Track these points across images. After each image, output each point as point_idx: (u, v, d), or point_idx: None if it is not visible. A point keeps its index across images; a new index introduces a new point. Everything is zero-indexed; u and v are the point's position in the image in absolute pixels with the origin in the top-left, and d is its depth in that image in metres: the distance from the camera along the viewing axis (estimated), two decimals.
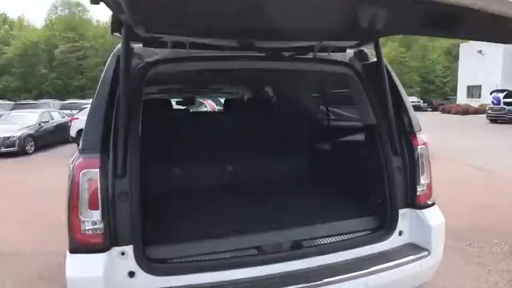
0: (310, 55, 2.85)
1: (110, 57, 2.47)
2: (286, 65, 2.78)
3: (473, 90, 37.18)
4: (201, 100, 12.51)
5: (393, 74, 2.86)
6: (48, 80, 53.40)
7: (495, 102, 23.24)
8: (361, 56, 3.01)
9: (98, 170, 2.07)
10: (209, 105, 13.96)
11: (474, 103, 33.54)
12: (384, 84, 2.71)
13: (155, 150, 3.77)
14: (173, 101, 6.20)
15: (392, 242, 2.67)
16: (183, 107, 7.23)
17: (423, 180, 2.74)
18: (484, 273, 4.01)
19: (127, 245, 2.09)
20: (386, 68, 2.79)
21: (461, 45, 41.64)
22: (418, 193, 2.73)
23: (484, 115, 23.96)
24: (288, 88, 4.84)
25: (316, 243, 2.53)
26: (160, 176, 3.85)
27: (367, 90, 2.86)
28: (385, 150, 2.74)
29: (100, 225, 2.06)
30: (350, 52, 3.01)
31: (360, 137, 3.20)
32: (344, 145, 3.65)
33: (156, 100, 4.91)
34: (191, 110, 6.16)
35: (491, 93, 24.30)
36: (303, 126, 4.38)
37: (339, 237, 2.58)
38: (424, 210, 2.73)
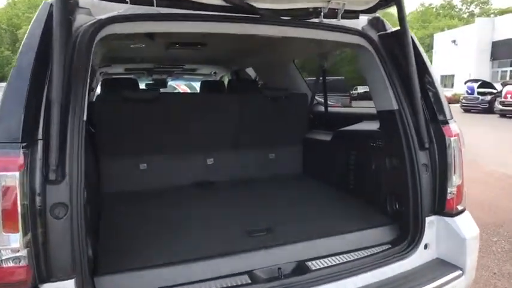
0: (316, 21, 2.20)
1: (39, 10, 1.72)
2: (284, 31, 2.11)
3: (447, 80, 37.72)
4: (173, 85, 11.59)
5: (420, 47, 2.26)
6: (12, 62, 50.39)
7: (469, 91, 23.47)
8: (377, 23, 2.39)
9: (17, 173, 1.47)
10: (183, 90, 13.05)
11: (447, 92, 34.05)
12: (408, 59, 2.12)
13: (114, 141, 3.04)
14: (141, 85, 5.39)
15: (416, 258, 2.12)
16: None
17: (455, 180, 2.19)
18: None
19: (67, 279, 1.57)
20: (412, 39, 2.19)
21: (435, 35, 42.07)
22: (448, 197, 2.16)
23: (458, 104, 24.20)
24: (284, 63, 4.25)
25: (323, 265, 2.06)
26: (120, 175, 3.17)
27: (385, 66, 2.29)
28: (409, 143, 2.18)
29: (23, 253, 1.50)
30: (363, 19, 2.39)
31: (374, 125, 2.62)
32: (353, 136, 3.05)
33: (117, 79, 4.13)
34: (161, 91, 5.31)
35: (465, 83, 24.54)
36: (300, 112, 3.75)
37: (349, 255, 2.15)
38: (455, 218, 2.22)
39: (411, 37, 2.20)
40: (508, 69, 31.32)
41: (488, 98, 21.87)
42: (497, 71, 32.24)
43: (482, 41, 32.28)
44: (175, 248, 2.03)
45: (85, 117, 1.73)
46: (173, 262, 1.87)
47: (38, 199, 1.52)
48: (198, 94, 5.38)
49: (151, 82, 6.92)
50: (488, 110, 21.17)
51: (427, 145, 2.20)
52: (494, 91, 22.24)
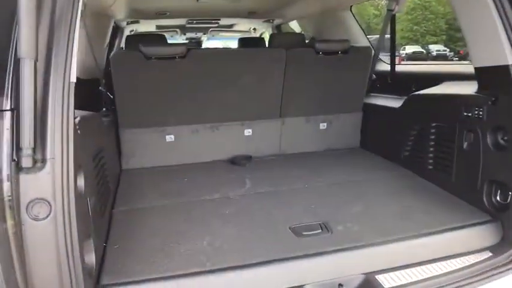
0: None
1: None
2: None
3: None
4: (209, 46, 10.96)
5: None
6: None
7: None
8: None
9: None
10: None
11: None
12: None
13: (135, 107, 2.56)
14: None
15: None
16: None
17: None
18: None
19: None
20: None
21: None
22: None
23: None
24: (337, 12, 3.51)
25: (400, 280, 1.57)
26: (142, 148, 2.72)
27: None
28: None
29: None
30: None
31: (467, 88, 2.02)
32: (435, 102, 2.37)
33: (141, 35, 3.60)
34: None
35: None
36: (361, 71, 3.06)
37: (435, 266, 1.64)
38: None
39: None
40: None
41: None
42: None
43: None
44: (203, 252, 1.61)
45: (74, 78, 1.23)
46: (199, 272, 1.43)
47: (6, 194, 1.13)
48: (234, 49, 4.74)
49: (185, 42, 6.37)
50: None
51: None
52: None
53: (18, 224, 1.16)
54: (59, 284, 1.20)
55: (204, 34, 6.23)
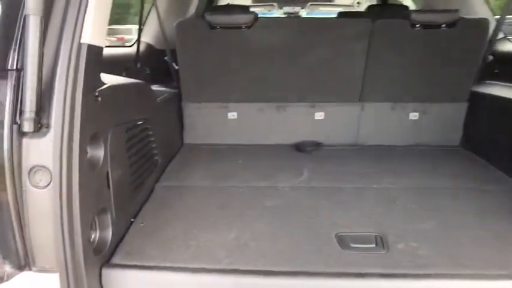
0: None
1: None
2: None
3: None
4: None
5: None
6: None
7: None
8: None
9: None
10: None
11: None
12: None
13: (197, 80, 2.44)
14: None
15: None
16: None
17: None
18: None
19: (48, 271, 1.17)
20: None
21: None
22: None
23: None
24: None
25: None
26: (201, 123, 2.61)
27: None
28: None
29: None
30: None
31: None
32: None
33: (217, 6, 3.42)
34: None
35: None
36: (471, 50, 2.45)
37: None
38: None
39: None
40: None
41: None
42: None
43: None
44: (224, 246, 1.45)
45: (86, 39, 1.12)
46: (210, 270, 1.30)
47: (8, 158, 1.09)
48: (309, 19, 4.28)
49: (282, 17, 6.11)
50: None
51: None
52: None
53: (20, 190, 1.12)
54: (55, 257, 1.13)
55: (303, 8, 5.87)
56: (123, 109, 1.55)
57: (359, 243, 1.44)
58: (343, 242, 1.45)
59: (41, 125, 1.12)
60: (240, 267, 1.30)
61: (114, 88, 1.44)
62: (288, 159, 2.35)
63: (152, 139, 1.97)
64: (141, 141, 1.81)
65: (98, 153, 1.32)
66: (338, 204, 1.74)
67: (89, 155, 1.27)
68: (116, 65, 2.30)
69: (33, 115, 1.09)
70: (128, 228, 1.54)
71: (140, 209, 1.70)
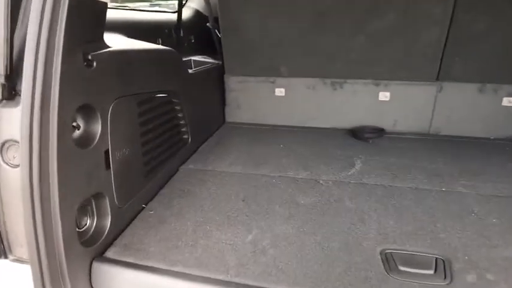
0: None
1: None
2: None
3: None
4: None
5: None
6: None
7: None
8: None
9: None
10: None
11: None
12: None
13: (240, 50, 2.17)
14: None
15: None
16: None
17: None
18: None
19: (23, 261, 1.05)
20: None
21: None
22: None
23: None
24: None
25: None
26: (244, 99, 2.32)
27: None
28: None
29: None
30: None
31: None
32: None
33: None
34: None
35: None
36: None
37: None
38: None
39: None
40: None
41: None
42: None
43: None
44: (236, 251, 1.19)
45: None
46: (209, 280, 1.08)
47: None
48: None
49: None
50: None
51: None
52: None
53: None
54: (35, 245, 0.97)
55: None
56: (134, 79, 1.34)
57: (412, 267, 1.09)
58: (389, 262, 1.10)
59: (15, 93, 0.95)
60: (249, 281, 1.04)
61: (118, 54, 1.23)
62: (340, 146, 1.99)
63: (180, 115, 1.76)
64: (163, 117, 1.60)
65: (92, 128, 1.13)
66: (393, 210, 1.37)
67: (78, 129, 1.09)
68: (156, 32, 2.11)
69: (2, 80, 0.92)
70: (136, 216, 1.37)
71: (156, 194, 1.51)
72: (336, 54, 2.10)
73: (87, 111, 1.10)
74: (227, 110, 2.38)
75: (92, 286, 1.13)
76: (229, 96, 2.34)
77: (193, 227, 1.28)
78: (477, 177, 1.62)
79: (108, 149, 1.19)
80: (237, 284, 1.03)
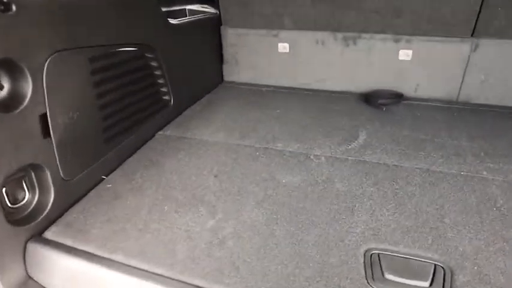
0: None
1: None
2: None
3: None
4: None
5: None
6: None
7: None
8: None
9: None
10: None
11: None
12: None
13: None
14: None
15: None
16: None
17: None
18: None
19: None
20: None
21: None
22: None
23: None
24: None
25: None
26: (244, 56, 2.06)
27: None
28: None
29: None
30: None
31: None
32: None
33: None
34: None
35: None
36: None
37: None
38: None
39: None
40: None
41: None
42: None
43: None
44: (189, 239, 1.01)
45: None
46: (177, 283, 0.88)
47: None
48: None
49: None
50: None
51: None
52: None
53: None
54: None
55: None
56: (80, 28, 1.11)
57: (402, 276, 0.86)
58: (374, 267, 0.88)
59: None
60: (194, 280, 0.86)
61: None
62: (347, 114, 1.71)
63: (158, 73, 1.53)
64: (132, 75, 1.37)
65: (20, 88, 0.94)
66: (392, 197, 1.12)
67: (1, 89, 0.90)
68: None
69: None
70: (92, 188, 1.20)
71: (122, 163, 1.34)
72: (350, 2, 1.76)
73: (10, 67, 0.91)
74: (225, 68, 2.12)
75: (26, 270, 1.00)
76: (227, 52, 2.07)
77: (150, 206, 1.11)
78: (507, 159, 1.32)
79: (46, 113, 1.01)
80: (179, 282, 0.86)
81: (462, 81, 1.79)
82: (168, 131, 1.56)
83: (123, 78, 1.32)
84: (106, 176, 1.25)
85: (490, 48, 1.70)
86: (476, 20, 1.66)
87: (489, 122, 1.63)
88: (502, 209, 1.07)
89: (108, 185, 1.21)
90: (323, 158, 1.33)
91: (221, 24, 2.03)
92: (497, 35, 1.68)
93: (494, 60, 1.72)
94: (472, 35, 1.70)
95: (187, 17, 1.79)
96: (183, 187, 1.19)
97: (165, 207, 1.09)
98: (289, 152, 1.38)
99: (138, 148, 1.42)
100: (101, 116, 1.22)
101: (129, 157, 1.36)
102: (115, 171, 1.28)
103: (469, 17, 1.66)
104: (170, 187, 1.19)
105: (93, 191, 1.18)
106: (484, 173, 1.24)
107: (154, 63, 1.49)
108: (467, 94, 1.80)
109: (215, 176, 1.24)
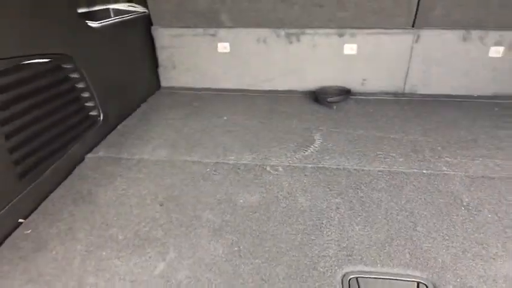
0: None
1: None
2: None
3: None
4: None
5: None
6: None
7: None
8: None
9: None
10: None
11: None
12: None
13: None
14: None
15: None
16: None
17: None
18: None
19: None
20: None
21: None
22: None
23: None
24: None
25: None
26: (176, 58, 1.90)
27: None
28: None
29: None
30: None
31: None
32: None
33: None
34: None
35: None
36: None
37: None
38: None
39: None
40: None
41: None
42: None
43: None
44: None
45: None
46: None
47: None
48: None
49: None
50: None
51: None
52: None
53: None
54: None
55: None
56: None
57: None
58: None
59: None
60: None
61: None
62: (297, 115, 1.61)
63: (81, 86, 1.31)
64: (47, 92, 1.14)
65: None
66: (359, 207, 1.04)
67: None
68: None
69: None
70: (6, 238, 0.97)
71: (44, 199, 1.11)
72: None
73: None
74: (161, 72, 1.92)
75: None
76: (162, 55, 1.87)
77: (83, 254, 0.91)
78: (463, 151, 1.31)
79: None
80: None
81: (407, 73, 1.79)
82: (99, 152, 1.34)
83: (36, 96, 1.08)
84: (24, 219, 1.02)
85: (430, 38, 1.70)
86: (416, 12, 1.65)
87: (437, 112, 1.63)
88: (469, 207, 1.03)
89: (27, 231, 0.98)
90: (280, 169, 1.22)
91: (152, 25, 1.82)
92: (436, 25, 1.68)
93: (435, 50, 1.72)
94: (413, 26, 1.69)
95: (112, 18, 1.57)
96: (124, 224, 1.00)
97: (103, 253, 0.90)
98: (244, 165, 1.24)
99: (65, 178, 1.19)
100: (9, 147, 0.98)
101: (53, 191, 1.13)
102: (36, 211, 1.05)
103: (410, 8, 1.64)
104: (107, 225, 0.99)
105: (7, 241, 0.95)
106: (444, 168, 1.21)
107: (74, 75, 1.26)
108: (413, 85, 1.80)
109: (161, 205, 1.06)
